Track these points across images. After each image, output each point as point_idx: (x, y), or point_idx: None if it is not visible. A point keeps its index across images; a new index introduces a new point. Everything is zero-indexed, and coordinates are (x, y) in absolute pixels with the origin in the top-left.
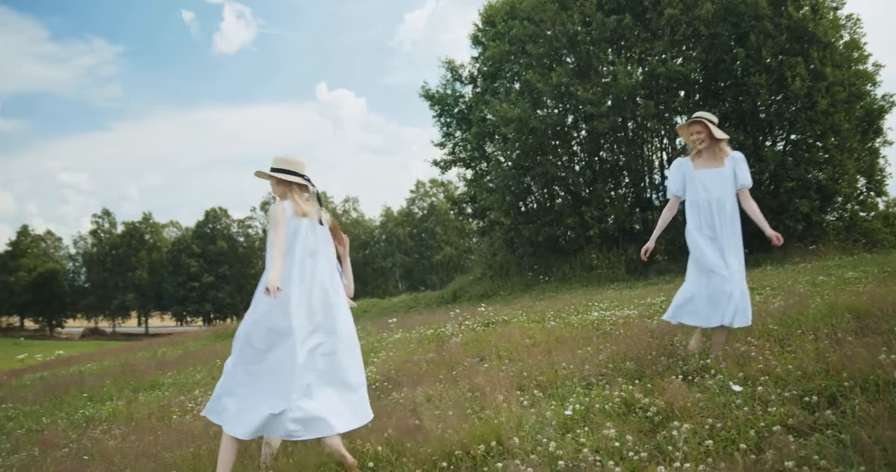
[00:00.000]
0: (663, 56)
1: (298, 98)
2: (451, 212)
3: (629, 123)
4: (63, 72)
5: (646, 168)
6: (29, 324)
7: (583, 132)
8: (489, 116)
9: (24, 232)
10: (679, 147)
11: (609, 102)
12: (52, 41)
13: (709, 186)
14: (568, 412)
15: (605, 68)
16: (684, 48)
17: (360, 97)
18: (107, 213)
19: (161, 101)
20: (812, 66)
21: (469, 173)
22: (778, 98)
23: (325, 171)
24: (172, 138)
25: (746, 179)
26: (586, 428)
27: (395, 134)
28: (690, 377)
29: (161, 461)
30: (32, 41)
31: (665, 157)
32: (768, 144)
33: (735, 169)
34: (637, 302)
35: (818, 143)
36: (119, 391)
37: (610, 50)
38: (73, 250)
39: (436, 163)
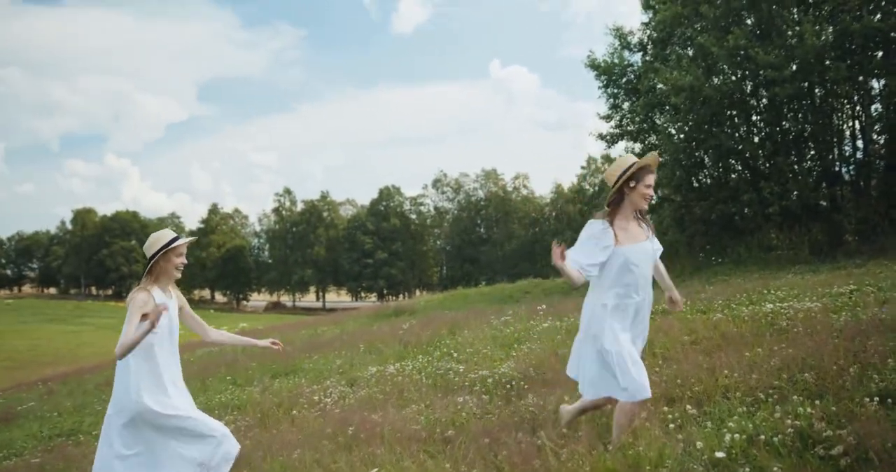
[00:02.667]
0: (858, 12)
1: (473, 75)
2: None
3: (816, 89)
4: (253, 57)
5: (835, 139)
6: (218, 297)
7: (763, 100)
8: (659, 85)
9: (213, 210)
10: (875, 115)
11: (794, 66)
12: (244, 29)
13: None
14: (720, 454)
15: (789, 29)
16: (883, 2)
17: (534, 72)
18: (288, 191)
19: (341, 81)
20: None
21: (637, 147)
22: None
23: (497, 148)
24: (352, 118)
25: None
26: (746, 470)
27: (569, 109)
28: (891, 400)
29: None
30: (227, 28)
31: (857, 125)
32: None
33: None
34: (821, 291)
35: None
36: (261, 376)
37: (795, 8)
38: (258, 227)
39: (601, 136)
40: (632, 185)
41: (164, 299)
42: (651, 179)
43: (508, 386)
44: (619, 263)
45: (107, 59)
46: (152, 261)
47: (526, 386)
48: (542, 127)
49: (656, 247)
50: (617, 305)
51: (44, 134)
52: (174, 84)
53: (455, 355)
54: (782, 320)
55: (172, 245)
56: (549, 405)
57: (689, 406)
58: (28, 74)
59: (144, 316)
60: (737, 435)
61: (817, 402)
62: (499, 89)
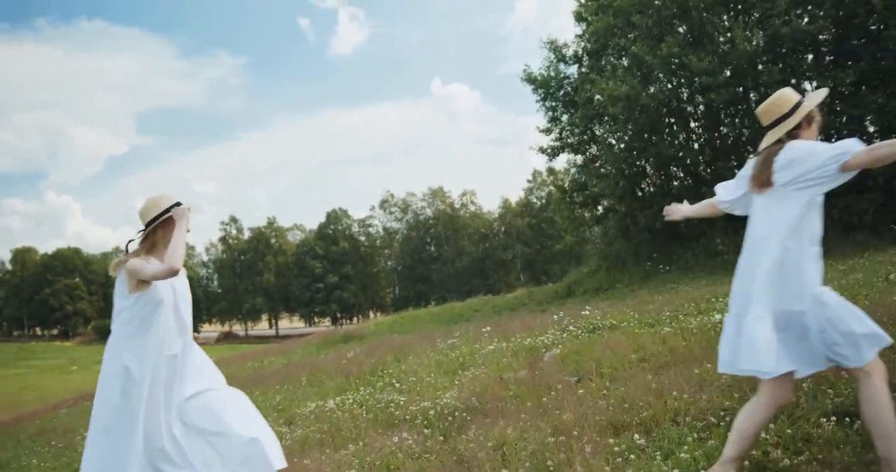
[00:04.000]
0: (786, 16)
1: (414, 95)
2: (561, 203)
3: (751, 93)
4: (192, 86)
5: None
6: None
7: (700, 107)
8: (596, 97)
9: None
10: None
11: (727, 72)
12: (181, 58)
13: None
14: None
15: (720, 35)
16: (810, 6)
17: (475, 90)
18: (234, 219)
19: (283, 107)
20: None
21: (579, 159)
22: None
23: (443, 166)
24: (294, 143)
25: None
26: None
27: (511, 124)
28: (848, 418)
29: None
30: (163, 59)
31: None
32: None
33: None
34: None
35: None
36: None
37: (725, 15)
38: (205, 257)
39: (542, 150)
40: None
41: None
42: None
43: (450, 418)
44: None
45: (38, 94)
46: (149, 228)
47: (469, 417)
48: (486, 143)
49: None
50: None
51: None
52: (111, 117)
53: (397, 385)
54: None
55: (175, 210)
56: (489, 441)
57: (636, 435)
58: None
59: (142, 284)
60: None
61: (771, 425)
62: (441, 108)
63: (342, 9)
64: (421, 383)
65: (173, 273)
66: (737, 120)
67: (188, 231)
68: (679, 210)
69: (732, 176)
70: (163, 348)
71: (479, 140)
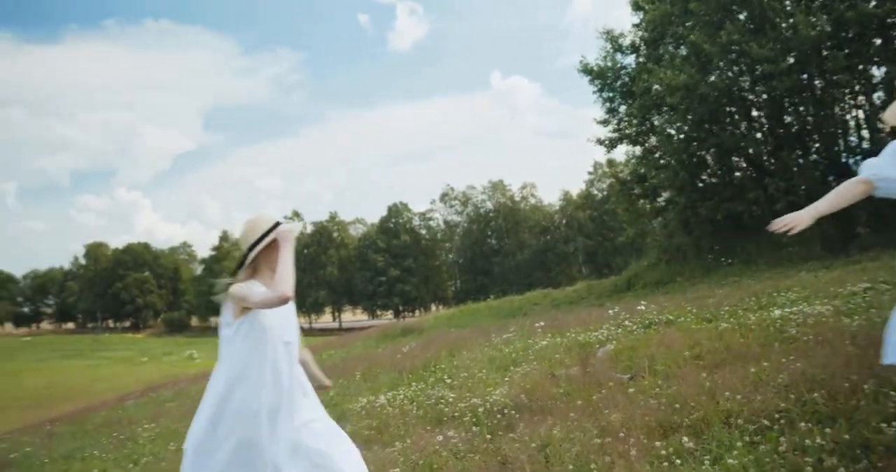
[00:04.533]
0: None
1: (474, 88)
2: (621, 195)
3: (816, 81)
4: (254, 83)
5: (839, 130)
6: None
7: (763, 95)
8: (654, 86)
9: (224, 237)
10: (878, 103)
11: (790, 59)
12: (244, 55)
13: None
14: None
15: (782, 21)
16: None
17: (535, 82)
18: (296, 214)
19: (343, 102)
20: None
21: (637, 150)
22: None
23: (503, 159)
24: (355, 138)
25: None
26: None
27: (572, 116)
28: None
29: None
30: (227, 56)
31: (861, 115)
32: None
33: None
34: (834, 291)
35: None
36: None
37: (787, 0)
38: None
39: (600, 141)
40: None
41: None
42: None
43: (499, 416)
44: None
45: (108, 93)
46: (250, 253)
47: (517, 415)
48: (546, 135)
49: None
50: None
51: (53, 172)
52: (179, 114)
53: (449, 380)
54: (791, 327)
55: (273, 233)
56: (534, 441)
57: (685, 438)
58: (31, 114)
59: (244, 310)
60: None
61: (828, 429)
62: (500, 101)
63: (400, 3)
64: (472, 378)
65: (284, 301)
66: (801, 108)
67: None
68: (800, 219)
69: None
70: (272, 375)
71: (539, 133)
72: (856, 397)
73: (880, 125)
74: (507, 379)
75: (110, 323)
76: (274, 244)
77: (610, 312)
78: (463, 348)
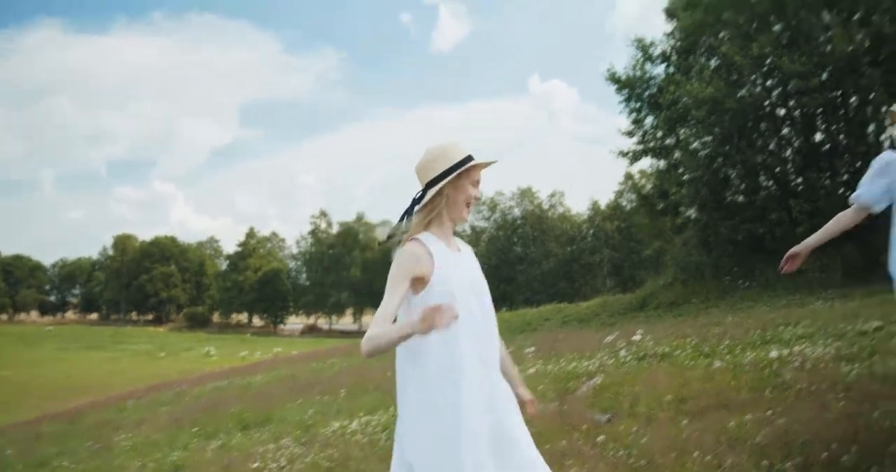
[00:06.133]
0: (892, 14)
1: (512, 91)
2: (642, 210)
3: (851, 98)
4: (296, 79)
5: (872, 151)
6: (256, 321)
7: (795, 111)
8: (682, 98)
9: (251, 234)
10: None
11: (824, 75)
12: (286, 52)
13: None
14: None
15: (819, 35)
16: None
17: (573, 87)
18: (324, 213)
19: (383, 101)
20: None
21: (662, 164)
22: None
23: (535, 164)
24: (394, 138)
25: None
26: None
27: (608, 124)
28: None
29: None
30: (270, 53)
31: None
32: None
33: None
34: (843, 328)
35: None
36: (232, 426)
37: (825, 12)
38: (295, 250)
39: (623, 154)
40: None
41: (449, 254)
42: None
43: None
44: None
45: (152, 85)
46: (435, 187)
47: None
48: (581, 142)
49: None
50: None
51: (92, 161)
52: (217, 108)
53: None
54: (787, 372)
55: (469, 165)
56: None
57: None
58: (76, 103)
59: (418, 282)
60: None
61: None
62: (538, 105)
63: (443, 4)
64: None
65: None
66: (833, 127)
67: (476, 199)
68: (801, 252)
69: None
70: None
71: (573, 139)
72: (836, 465)
73: (886, 123)
74: None
75: (133, 315)
76: (461, 186)
77: (608, 338)
78: None
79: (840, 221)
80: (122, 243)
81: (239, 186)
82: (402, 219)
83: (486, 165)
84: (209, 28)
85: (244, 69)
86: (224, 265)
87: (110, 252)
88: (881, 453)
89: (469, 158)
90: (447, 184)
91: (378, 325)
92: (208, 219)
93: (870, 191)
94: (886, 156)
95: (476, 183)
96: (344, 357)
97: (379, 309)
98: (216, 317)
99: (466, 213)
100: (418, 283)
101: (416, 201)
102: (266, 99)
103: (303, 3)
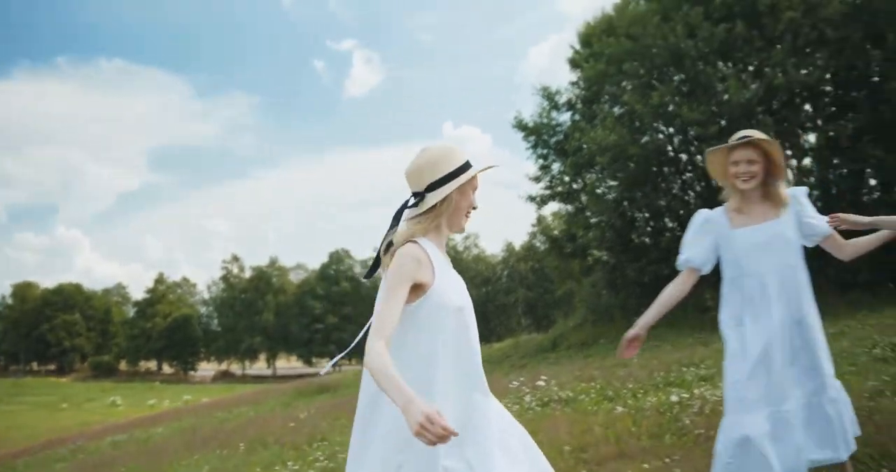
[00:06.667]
0: (783, 66)
1: (425, 137)
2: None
3: None
4: (206, 125)
5: None
6: (166, 368)
7: (697, 157)
8: (585, 145)
9: (160, 279)
10: (801, 172)
11: (722, 122)
12: (196, 98)
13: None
14: None
15: (715, 85)
16: (807, 55)
17: (486, 133)
18: (235, 258)
19: (296, 147)
20: None
21: (569, 208)
22: None
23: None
24: (306, 183)
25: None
26: None
27: (521, 168)
28: None
29: None
30: (180, 98)
31: (792, 177)
32: None
33: (801, 216)
34: None
35: None
36: None
37: (720, 63)
38: (206, 295)
39: (531, 198)
40: None
41: (446, 266)
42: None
43: None
44: None
45: (55, 130)
46: (441, 190)
47: None
48: (496, 185)
49: None
50: None
51: None
52: (125, 154)
53: (323, 463)
54: (686, 416)
55: (487, 167)
56: None
57: None
58: None
59: (415, 289)
60: None
61: None
62: None
63: (357, 51)
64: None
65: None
66: None
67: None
68: (640, 334)
69: None
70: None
71: (491, 182)
72: None
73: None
74: None
75: (34, 366)
76: (466, 193)
77: (513, 384)
78: None
79: (672, 292)
80: (21, 291)
81: (148, 231)
82: (391, 227)
83: (486, 169)
84: (118, 73)
85: (153, 114)
86: (132, 312)
87: (9, 301)
88: None
89: (468, 164)
90: (454, 188)
91: (380, 336)
92: (116, 265)
93: (697, 253)
94: (704, 214)
95: (475, 190)
96: (252, 406)
97: (378, 315)
98: (123, 365)
99: (465, 222)
100: (414, 291)
101: (406, 206)
102: (176, 144)
103: (214, 49)
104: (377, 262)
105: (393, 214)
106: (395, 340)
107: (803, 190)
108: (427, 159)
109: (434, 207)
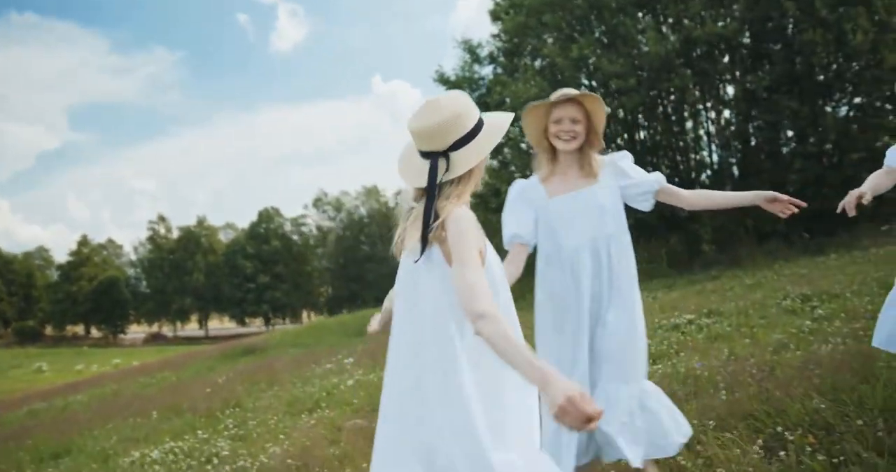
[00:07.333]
0: (701, 17)
1: (355, 92)
2: (477, 207)
3: (671, 97)
4: (127, 82)
5: (692, 145)
6: (94, 332)
7: (619, 110)
8: (507, 99)
9: (83, 242)
10: (721, 124)
11: (643, 75)
12: (115, 53)
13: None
14: None
15: (634, 37)
16: (724, 7)
17: (416, 88)
18: (162, 218)
19: (221, 104)
20: (877, 17)
21: (494, 163)
22: (837, 56)
23: (381, 164)
24: (233, 140)
25: (654, 178)
26: None
27: None
28: None
29: None
30: (97, 54)
31: (712, 129)
32: (828, 110)
33: (621, 179)
34: (658, 321)
35: (887, 105)
36: (30, 459)
37: (640, 15)
38: (133, 257)
39: None
40: None
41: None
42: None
43: None
44: None
45: None
46: (468, 146)
47: None
48: None
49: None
50: None
51: None
52: (43, 112)
53: (233, 430)
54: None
55: (505, 124)
56: None
57: None
58: None
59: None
60: None
61: None
62: (381, 105)
63: (282, 4)
64: (262, 426)
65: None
66: (653, 124)
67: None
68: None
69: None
70: None
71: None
72: None
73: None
74: (295, 431)
75: None
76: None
77: None
78: (282, 379)
79: (514, 272)
80: None
81: (71, 192)
82: (430, 198)
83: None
84: (30, 29)
85: (71, 71)
86: (56, 276)
87: None
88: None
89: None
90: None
91: (491, 305)
92: (38, 228)
93: (523, 226)
94: (520, 184)
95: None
96: (176, 370)
97: (472, 280)
98: (49, 330)
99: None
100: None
101: (436, 172)
102: (97, 102)
103: (133, 3)
104: (425, 240)
105: (426, 184)
106: (454, 312)
107: (623, 154)
108: (452, 112)
109: (473, 169)
